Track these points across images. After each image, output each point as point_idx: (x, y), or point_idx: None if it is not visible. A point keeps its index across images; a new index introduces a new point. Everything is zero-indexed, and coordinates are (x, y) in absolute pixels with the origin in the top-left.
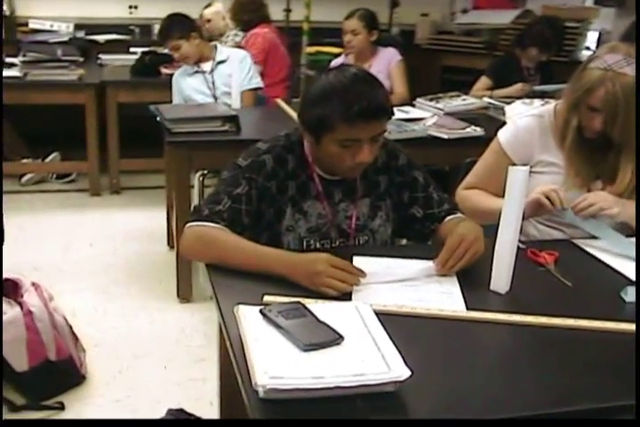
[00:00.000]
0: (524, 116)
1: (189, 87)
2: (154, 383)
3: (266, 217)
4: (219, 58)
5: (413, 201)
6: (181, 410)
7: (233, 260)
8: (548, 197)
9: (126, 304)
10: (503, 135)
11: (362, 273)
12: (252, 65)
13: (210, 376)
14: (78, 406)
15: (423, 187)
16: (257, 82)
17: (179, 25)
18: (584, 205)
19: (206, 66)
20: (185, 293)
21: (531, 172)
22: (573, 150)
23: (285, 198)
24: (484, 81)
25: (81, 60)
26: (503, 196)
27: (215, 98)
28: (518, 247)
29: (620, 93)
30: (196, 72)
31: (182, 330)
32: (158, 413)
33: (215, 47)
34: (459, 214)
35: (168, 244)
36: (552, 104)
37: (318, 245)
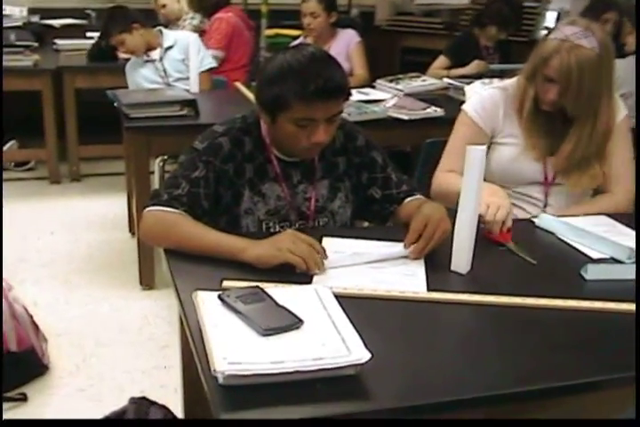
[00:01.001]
0: (489, 88)
1: (142, 78)
2: (118, 372)
3: (224, 200)
4: (166, 44)
5: (372, 182)
6: (144, 398)
7: (193, 245)
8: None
9: (88, 293)
10: (470, 107)
11: (324, 253)
12: (201, 46)
13: (174, 363)
14: (41, 396)
15: (382, 168)
16: (209, 62)
17: (118, 19)
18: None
19: (155, 54)
20: (147, 280)
21: (493, 143)
22: (530, 122)
23: (243, 181)
24: (441, 60)
25: (36, 45)
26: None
27: (168, 85)
28: (479, 227)
29: (574, 64)
30: (147, 61)
31: (145, 317)
32: (123, 401)
33: (160, 32)
34: (418, 196)
35: (129, 231)
36: (516, 77)
37: (278, 228)
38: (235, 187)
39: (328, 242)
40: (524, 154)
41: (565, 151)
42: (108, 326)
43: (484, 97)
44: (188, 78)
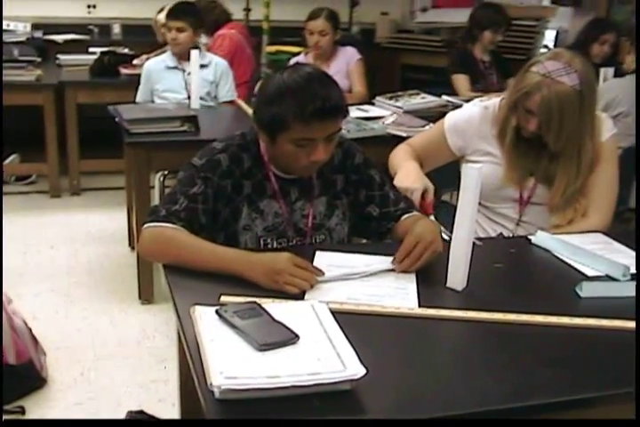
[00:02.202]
0: (473, 106)
1: (164, 82)
2: (116, 386)
3: (222, 216)
4: (202, 61)
5: (370, 200)
6: (141, 412)
7: (191, 260)
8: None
9: (88, 306)
10: (449, 119)
11: (321, 272)
12: (230, 75)
13: (172, 377)
14: (39, 410)
15: (379, 185)
16: (234, 95)
17: (199, 15)
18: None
19: (187, 66)
20: (147, 294)
21: (469, 160)
22: (511, 148)
23: (241, 197)
24: (462, 79)
25: (38, 60)
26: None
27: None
28: (474, 244)
29: (554, 101)
30: (176, 68)
31: (144, 331)
32: (120, 415)
33: (199, 49)
34: (414, 213)
35: (129, 245)
36: (499, 97)
37: (275, 244)
38: (233, 203)
39: (321, 256)
40: (506, 175)
41: (561, 187)
42: (106, 339)
43: (463, 115)
44: (207, 101)
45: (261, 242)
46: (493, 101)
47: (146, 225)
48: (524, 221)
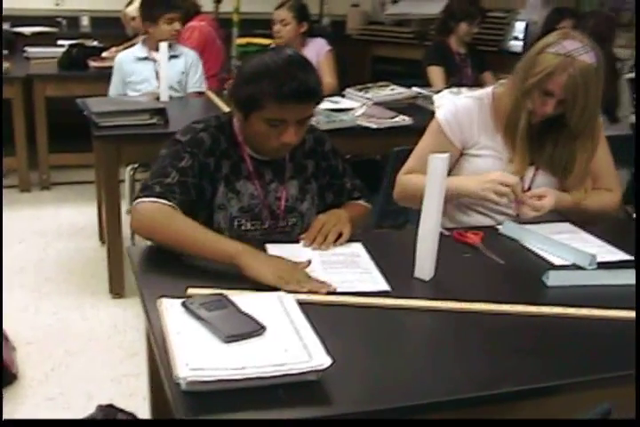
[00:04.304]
0: (464, 98)
1: (136, 73)
2: (87, 380)
3: (205, 193)
4: (173, 52)
5: (328, 187)
6: (111, 406)
7: (188, 245)
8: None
9: (58, 301)
10: (442, 115)
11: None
12: (200, 67)
13: (143, 371)
14: (10, 405)
15: (340, 175)
16: (203, 87)
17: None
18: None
19: (158, 56)
20: (117, 288)
21: (467, 154)
22: (525, 135)
23: (219, 176)
24: (436, 71)
25: (6, 52)
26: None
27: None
28: (441, 234)
29: (580, 80)
30: (147, 58)
31: (115, 325)
32: (92, 410)
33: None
34: (358, 202)
35: (100, 239)
36: (489, 88)
37: (249, 226)
38: (213, 181)
39: (272, 248)
40: (511, 167)
41: (582, 166)
42: (77, 334)
43: (458, 107)
44: (178, 91)
45: (235, 222)
46: (485, 92)
47: (139, 200)
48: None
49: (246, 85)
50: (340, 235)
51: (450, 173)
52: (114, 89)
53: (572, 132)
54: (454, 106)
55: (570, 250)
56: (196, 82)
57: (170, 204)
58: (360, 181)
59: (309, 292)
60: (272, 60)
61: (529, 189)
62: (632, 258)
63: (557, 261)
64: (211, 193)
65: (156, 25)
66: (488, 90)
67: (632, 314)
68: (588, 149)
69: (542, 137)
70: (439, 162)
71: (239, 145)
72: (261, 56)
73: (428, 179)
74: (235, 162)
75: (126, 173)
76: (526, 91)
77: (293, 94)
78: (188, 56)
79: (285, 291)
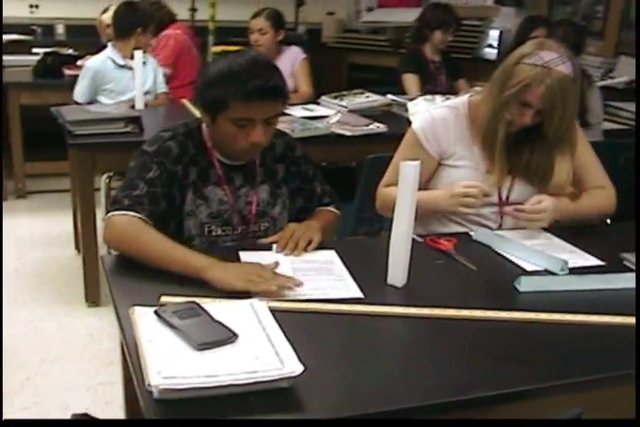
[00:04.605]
0: (439, 107)
1: (115, 81)
2: (63, 389)
3: (176, 201)
4: (143, 59)
5: (298, 192)
6: (85, 414)
7: (156, 258)
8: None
9: (34, 310)
10: (418, 126)
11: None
12: (158, 68)
13: (119, 380)
14: None
15: (310, 181)
16: (165, 87)
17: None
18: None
19: (132, 63)
20: (93, 296)
21: (444, 165)
22: (504, 146)
23: (187, 183)
24: (411, 79)
25: None
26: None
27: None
28: (414, 240)
29: (557, 91)
30: (123, 66)
31: (91, 334)
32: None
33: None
34: (328, 208)
35: (75, 248)
36: (464, 96)
37: (220, 232)
38: (182, 189)
39: (245, 256)
40: (490, 178)
41: (564, 175)
42: (53, 343)
43: (434, 117)
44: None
45: (205, 229)
46: (460, 101)
47: (110, 214)
48: (507, 224)
49: (211, 87)
50: (310, 242)
51: (428, 184)
52: (83, 95)
53: (550, 141)
54: (430, 116)
55: (541, 256)
56: (161, 83)
57: (140, 216)
58: (330, 187)
59: (280, 288)
60: (235, 61)
61: (507, 198)
62: (603, 263)
63: (529, 267)
64: (180, 201)
65: (128, 40)
66: (464, 98)
67: (604, 319)
68: (567, 157)
69: (519, 146)
70: (410, 169)
71: (208, 151)
72: (224, 59)
73: (399, 186)
74: (203, 168)
75: (102, 181)
76: (504, 102)
77: (257, 92)
78: (151, 61)
79: (256, 292)
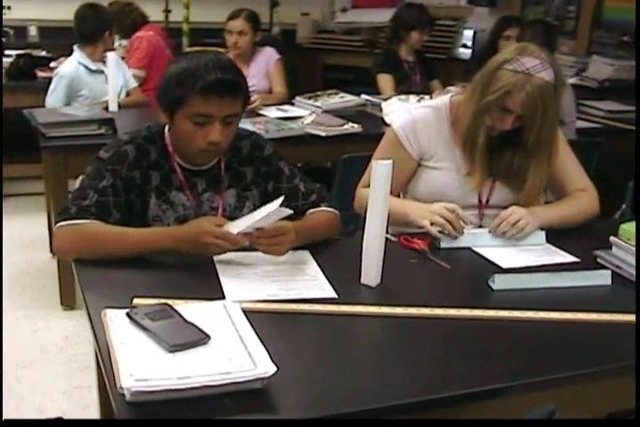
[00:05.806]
0: (421, 107)
1: (89, 87)
2: (38, 394)
3: (135, 207)
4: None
5: (277, 192)
6: (60, 418)
7: (118, 249)
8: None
9: (9, 314)
10: (399, 125)
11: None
12: (125, 66)
13: (95, 383)
14: None
15: (288, 178)
16: (135, 82)
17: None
18: (513, 220)
19: (104, 67)
20: (68, 300)
21: (424, 166)
22: (485, 150)
23: (150, 188)
24: (385, 79)
25: None
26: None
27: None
28: (388, 239)
29: (538, 97)
30: (95, 71)
31: (67, 338)
32: None
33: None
34: (322, 207)
35: (50, 251)
36: (446, 96)
37: None
38: (143, 194)
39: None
40: (470, 181)
41: (537, 181)
42: (28, 347)
43: (416, 118)
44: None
45: None
46: (442, 101)
47: (58, 225)
48: (485, 226)
49: (169, 85)
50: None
51: (407, 185)
52: (57, 102)
53: (530, 146)
54: (412, 116)
55: (520, 239)
56: (130, 79)
57: (88, 221)
58: (321, 185)
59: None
60: (194, 61)
61: (487, 201)
62: (578, 260)
63: (505, 264)
64: (141, 206)
65: (96, 45)
66: (445, 99)
67: (577, 316)
68: (544, 163)
69: (501, 149)
70: (383, 168)
71: (169, 155)
72: (185, 58)
73: (371, 185)
74: (166, 172)
75: (76, 184)
76: (484, 107)
77: (215, 87)
78: (120, 61)
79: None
